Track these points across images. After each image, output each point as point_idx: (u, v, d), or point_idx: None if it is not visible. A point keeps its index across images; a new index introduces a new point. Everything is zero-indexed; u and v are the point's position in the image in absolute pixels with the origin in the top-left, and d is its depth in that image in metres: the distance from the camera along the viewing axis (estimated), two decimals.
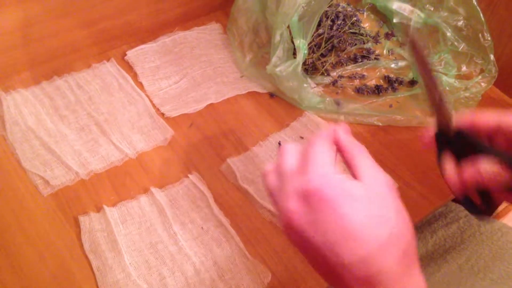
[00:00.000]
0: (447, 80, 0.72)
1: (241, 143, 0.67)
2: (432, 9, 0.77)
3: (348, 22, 0.80)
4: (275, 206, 0.39)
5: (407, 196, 0.62)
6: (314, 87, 0.75)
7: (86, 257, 0.54)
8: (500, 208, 1.03)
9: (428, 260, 0.71)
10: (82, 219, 0.56)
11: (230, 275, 0.53)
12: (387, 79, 0.77)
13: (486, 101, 0.74)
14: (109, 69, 0.74)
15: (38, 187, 0.59)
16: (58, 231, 0.56)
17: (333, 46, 0.78)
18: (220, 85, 0.73)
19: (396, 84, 0.76)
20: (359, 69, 0.78)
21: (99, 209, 0.58)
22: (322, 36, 0.77)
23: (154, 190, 0.59)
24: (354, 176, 0.37)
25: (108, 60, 0.75)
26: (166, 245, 0.55)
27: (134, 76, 0.73)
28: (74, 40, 0.73)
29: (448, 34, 0.75)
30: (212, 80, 0.74)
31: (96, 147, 0.64)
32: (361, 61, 0.78)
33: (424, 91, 0.45)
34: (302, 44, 0.67)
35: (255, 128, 0.69)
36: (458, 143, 0.42)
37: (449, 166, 0.44)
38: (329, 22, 0.78)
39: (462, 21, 0.74)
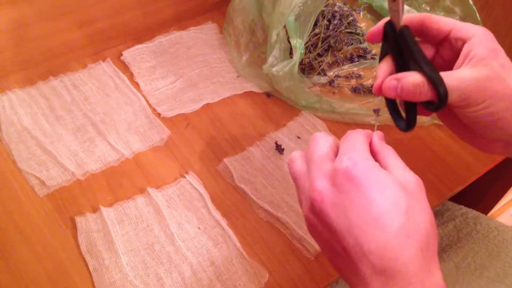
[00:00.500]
0: None
1: (238, 143, 0.67)
2: (428, 8, 0.77)
3: (344, 21, 0.80)
4: (299, 191, 0.39)
5: None
6: (311, 86, 0.75)
7: (83, 257, 0.53)
8: (497, 207, 1.04)
9: None
10: (79, 219, 0.56)
11: (227, 275, 0.53)
12: None
13: None
14: (105, 69, 0.73)
15: (34, 188, 0.59)
16: (54, 232, 0.56)
17: (329, 46, 0.78)
18: (217, 85, 0.73)
19: None
20: (355, 68, 0.78)
21: (95, 209, 0.58)
22: (318, 35, 0.77)
23: (150, 190, 0.59)
24: None
25: (104, 60, 0.75)
26: (163, 246, 0.55)
27: (130, 76, 0.73)
28: (69, 40, 0.73)
29: None
30: (209, 80, 0.74)
31: (92, 147, 0.63)
32: (358, 61, 0.78)
33: None
34: (298, 44, 0.67)
35: (251, 128, 0.69)
36: (400, 41, 0.40)
37: (383, 65, 0.42)
38: (325, 21, 0.78)
39: (458, 21, 0.74)
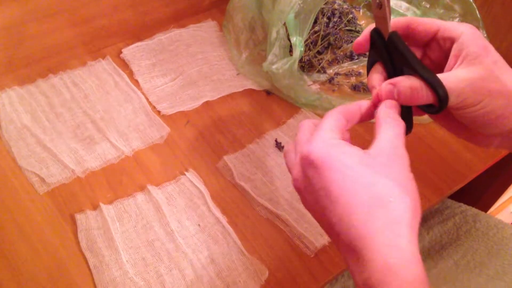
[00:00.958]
0: None
1: (238, 141, 0.67)
2: (428, 6, 0.77)
3: (344, 19, 0.80)
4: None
5: None
6: (311, 84, 0.75)
7: (83, 255, 0.54)
8: (496, 204, 1.04)
9: (425, 256, 0.71)
10: (79, 217, 0.56)
11: (227, 272, 0.53)
12: None
13: None
14: (105, 67, 0.73)
15: (34, 185, 0.59)
16: (54, 229, 0.56)
17: (329, 44, 0.78)
18: (216, 83, 0.73)
19: None
20: (355, 66, 0.78)
21: (95, 207, 0.58)
22: (318, 33, 0.77)
23: (150, 187, 0.59)
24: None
25: (103, 58, 0.75)
26: (163, 243, 0.55)
27: (130, 74, 0.73)
28: (69, 38, 0.73)
29: None
30: (208, 78, 0.74)
31: (92, 145, 0.63)
32: (357, 59, 0.78)
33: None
34: (298, 42, 0.67)
35: (251, 126, 0.69)
36: (390, 47, 0.40)
37: (376, 75, 0.41)
38: (325, 19, 0.78)
39: (458, 18, 0.74)
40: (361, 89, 0.74)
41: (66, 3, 0.69)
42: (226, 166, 0.63)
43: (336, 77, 0.76)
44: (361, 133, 0.69)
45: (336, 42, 0.78)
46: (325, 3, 0.79)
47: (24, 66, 0.71)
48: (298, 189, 0.38)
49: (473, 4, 0.72)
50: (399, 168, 0.35)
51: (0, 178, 0.60)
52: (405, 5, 0.80)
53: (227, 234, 0.56)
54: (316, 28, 0.77)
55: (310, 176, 0.35)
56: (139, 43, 0.77)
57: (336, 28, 0.78)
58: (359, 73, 0.77)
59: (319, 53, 0.77)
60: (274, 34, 0.67)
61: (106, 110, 0.68)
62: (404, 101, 0.39)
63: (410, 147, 0.68)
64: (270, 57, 0.68)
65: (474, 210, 0.76)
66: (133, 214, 0.57)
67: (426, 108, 0.40)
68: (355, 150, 0.35)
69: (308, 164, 0.35)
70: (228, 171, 0.63)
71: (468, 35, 0.39)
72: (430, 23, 0.41)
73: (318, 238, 0.56)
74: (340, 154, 0.34)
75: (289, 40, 0.68)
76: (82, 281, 0.52)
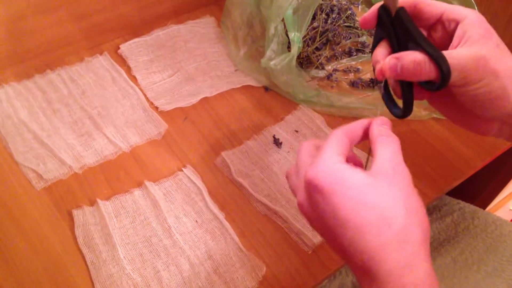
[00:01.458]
0: None
1: (236, 137, 0.66)
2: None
3: (343, 15, 0.80)
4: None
5: None
6: (309, 80, 0.74)
7: (80, 251, 0.53)
8: (495, 201, 1.04)
9: None
10: (76, 212, 0.56)
11: (225, 268, 0.53)
12: None
13: None
14: (102, 62, 0.73)
15: (31, 181, 0.59)
16: (51, 225, 0.55)
17: (327, 40, 0.78)
18: (214, 79, 0.73)
19: None
20: (353, 62, 0.78)
21: (92, 202, 0.57)
22: (316, 29, 0.77)
23: (148, 183, 0.59)
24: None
25: (101, 53, 0.74)
26: (161, 239, 0.55)
27: (128, 69, 0.73)
28: (67, 34, 0.73)
29: None
30: (206, 74, 0.74)
31: (89, 140, 0.63)
32: (356, 55, 0.78)
33: None
34: (296, 38, 0.66)
35: (249, 122, 0.68)
36: (396, 23, 0.40)
37: (380, 50, 0.41)
38: (323, 15, 0.78)
39: None
40: (359, 85, 0.74)
41: None
42: (224, 162, 0.63)
43: (335, 73, 0.76)
44: None
45: (335, 38, 0.78)
46: None
47: (21, 62, 0.71)
48: (304, 213, 0.38)
49: (472, 0, 0.72)
50: (402, 186, 0.35)
51: None
52: None
53: (225, 230, 0.56)
54: (315, 24, 0.77)
55: (316, 201, 0.35)
56: (137, 39, 0.76)
57: (334, 24, 0.78)
58: (358, 69, 0.77)
59: (317, 49, 0.77)
60: (272, 30, 0.67)
61: (104, 106, 0.67)
62: (407, 75, 0.39)
63: (408, 143, 0.68)
64: (268, 53, 0.67)
65: (472, 207, 0.76)
66: (131, 210, 0.57)
67: (427, 85, 0.40)
68: (358, 174, 0.35)
69: (313, 190, 0.35)
70: (226, 167, 0.63)
71: (473, 18, 0.40)
72: (436, 5, 0.41)
73: (316, 234, 0.56)
74: (345, 179, 0.34)
75: (287, 36, 0.67)
76: (79, 277, 0.52)
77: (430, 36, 0.43)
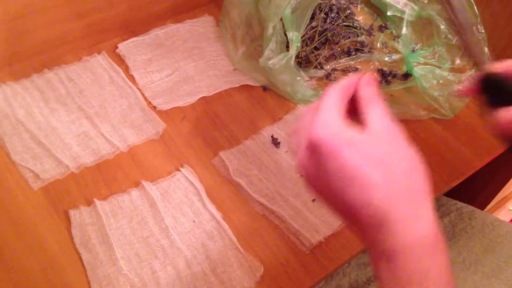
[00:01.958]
0: (440, 73, 0.72)
1: (234, 137, 0.66)
2: (425, 1, 0.76)
3: (342, 15, 0.80)
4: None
5: None
6: (308, 80, 0.74)
7: (77, 251, 0.53)
8: (494, 201, 1.04)
9: None
10: (73, 213, 0.56)
11: (222, 269, 0.53)
12: (381, 72, 0.76)
13: None
14: (100, 62, 0.73)
15: (28, 181, 0.59)
16: (48, 225, 0.55)
17: (326, 39, 0.78)
18: (213, 78, 0.73)
19: (389, 77, 0.75)
20: (352, 62, 0.77)
21: (89, 203, 0.57)
22: (315, 29, 0.76)
23: (145, 183, 0.59)
24: (363, 124, 0.37)
25: (99, 53, 0.74)
26: (158, 239, 0.55)
27: (126, 69, 0.73)
28: (64, 33, 0.72)
29: (442, 27, 0.74)
30: (205, 73, 0.73)
31: (86, 140, 0.63)
32: (355, 54, 0.78)
33: (460, 40, 0.44)
34: (295, 37, 0.66)
35: (247, 122, 0.68)
36: (496, 88, 0.42)
37: (504, 112, 0.42)
38: (322, 15, 0.78)
39: None
40: None
41: None
42: (221, 162, 0.63)
43: (333, 73, 0.75)
44: None
45: (334, 37, 0.78)
46: None
47: (19, 61, 0.71)
48: (306, 173, 0.38)
49: (471, 0, 0.71)
50: (401, 141, 0.36)
51: None
52: (403, 0, 0.79)
53: (222, 230, 0.56)
54: (314, 23, 0.77)
55: (319, 161, 0.36)
56: (135, 38, 0.76)
57: (333, 24, 0.78)
58: (357, 68, 0.77)
59: (316, 48, 0.77)
60: (270, 30, 0.66)
61: (101, 106, 0.67)
62: None
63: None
64: (266, 53, 0.67)
65: (470, 208, 0.76)
66: (128, 210, 0.57)
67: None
68: (358, 132, 0.36)
69: (316, 150, 0.36)
70: (223, 167, 0.62)
71: None
72: None
73: (314, 234, 0.56)
74: (349, 138, 0.35)
75: (285, 35, 0.67)
76: (76, 277, 0.52)
77: None
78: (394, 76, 0.76)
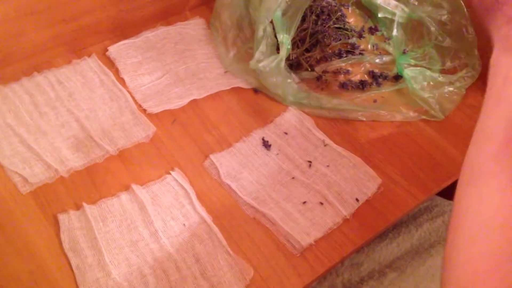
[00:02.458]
0: (431, 74, 0.72)
1: (225, 139, 0.66)
2: (416, 3, 0.76)
3: (333, 17, 0.80)
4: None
5: (392, 191, 0.62)
6: (298, 82, 0.74)
7: (65, 255, 0.53)
8: None
9: (413, 254, 0.71)
10: (62, 217, 0.55)
11: (212, 272, 0.53)
12: (372, 74, 0.76)
13: (471, 96, 0.74)
14: (90, 65, 0.72)
15: (17, 185, 0.58)
16: (36, 230, 0.55)
17: (317, 41, 0.78)
18: (204, 81, 0.73)
19: (380, 79, 0.76)
20: (343, 64, 0.77)
21: (79, 207, 0.57)
22: (306, 31, 0.76)
23: (135, 187, 0.58)
24: None
25: (89, 56, 0.74)
26: (147, 243, 0.54)
27: (116, 72, 0.72)
28: (54, 36, 0.72)
29: (432, 28, 0.74)
30: (196, 76, 0.73)
31: (76, 144, 0.63)
32: (346, 56, 0.78)
33: None
34: (285, 39, 0.66)
35: (238, 124, 0.68)
36: None
37: None
38: (313, 17, 0.78)
39: (446, 16, 0.74)
40: (349, 87, 0.74)
41: (50, 0, 0.68)
42: (212, 165, 0.62)
43: (324, 75, 0.75)
44: (350, 131, 0.69)
45: (325, 40, 0.78)
46: (314, 0, 0.79)
47: (8, 65, 0.70)
48: None
49: (461, 1, 0.72)
50: None
51: None
52: (393, 2, 0.79)
53: (213, 233, 0.56)
54: (305, 25, 0.76)
55: None
56: (125, 41, 0.76)
57: (324, 26, 0.78)
58: (348, 71, 0.77)
59: (307, 50, 0.77)
60: (260, 32, 0.66)
61: (91, 109, 0.67)
62: None
63: (398, 145, 0.68)
64: (257, 55, 0.67)
65: None
66: (117, 214, 0.56)
67: None
68: None
69: None
70: (214, 170, 0.62)
71: None
72: None
73: (304, 237, 0.56)
74: None
75: (276, 37, 0.67)
76: (65, 282, 0.51)
77: None
78: (385, 77, 0.76)
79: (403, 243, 0.71)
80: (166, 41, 0.78)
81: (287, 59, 0.73)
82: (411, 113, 0.70)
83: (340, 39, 0.79)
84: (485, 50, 0.75)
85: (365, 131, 0.69)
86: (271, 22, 0.67)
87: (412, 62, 0.75)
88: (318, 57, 0.77)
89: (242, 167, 0.63)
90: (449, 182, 0.64)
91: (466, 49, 0.73)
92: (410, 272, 0.67)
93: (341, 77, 0.76)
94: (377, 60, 0.78)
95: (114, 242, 0.54)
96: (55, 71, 0.71)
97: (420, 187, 0.63)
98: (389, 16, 0.80)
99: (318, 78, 0.75)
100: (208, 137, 0.66)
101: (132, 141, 0.64)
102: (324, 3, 0.80)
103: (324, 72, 0.76)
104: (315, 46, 0.78)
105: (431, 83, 0.72)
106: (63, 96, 0.68)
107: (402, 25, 0.78)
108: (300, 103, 0.70)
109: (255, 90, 0.73)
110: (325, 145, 0.66)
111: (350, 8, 0.86)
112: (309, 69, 0.75)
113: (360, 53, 0.79)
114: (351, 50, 0.79)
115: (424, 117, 0.70)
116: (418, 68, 0.73)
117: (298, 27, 0.72)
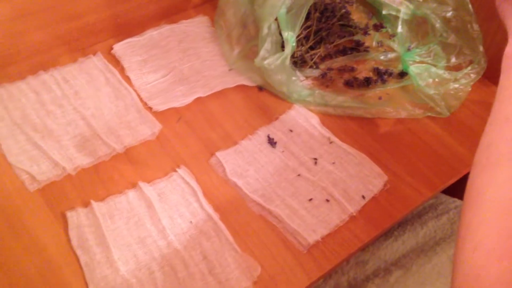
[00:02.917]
0: (436, 71, 0.72)
1: (230, 137, 0.66)
2: (421, 0, 0.76)
3: (337, 14, 0.80)
4: None
5: (397, 188, 0.62)
6: (303, 80, 0.74)
7: (74, 252, 0.53)
8: None
9: (419, 251, 0.71)
10: (70, 214, 0.56)
11: (220, 269, 0.53)
12: (377, 71, 0.76)
13: (476, 92, 0.74)
14: (96, 63, 0.73)
15: (25, 183, 0.58)
16: (45, 227, 0.55)
17: (322, 39, 0.78)
18: (208, 79, 0.73)
19: (385, 76, 0.76)
20: (348, 61, 0.77)
21: (86, 204, 0.57)
22: (310, 28, 0.76)
23: (142, 184, 0.59)
24: None
25: (94, 54, 0.74)
26: (155, 240, 0.55)
27: (121, 70, 0.72)
28: (60, 34, 0.72)
29: (437, 25, 0.74)
30: (200, 74, 0.73)
31: (83, 142, 0.63)
32: (350, 53, 0.78)
33: None
34: (290, 37, 0.66)
35: (243, 122, 0.68)
36: None
37: None
38: (317, 14, 0.78)
39: (451, 12, 0.73)
40: (354, 84, 0.74)
41: None
42: (218, 163, 0.63)
43: (329, 72, 0.75)
44: (355, 128, 0.69)
45: (329, 37, 0.78)
46: None
47: (14, 63, 0.71)
48: None
49: None
50: None
51: None
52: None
53: (220, 230, 0.56)
54: (309, 23, 0.77)
55: None
56: (130, 39, 0.76)
57: (328, 23, 0.78)
58: (352, 68, 0.77)
59: (311, 48, 0.77)
60: (265, 30, 0.66)
61: (97, 107, 0.67)
62: None
63: (403, 142, 0.68)
64: (261, 53, 0.67)
65: None
66: (125, 211, 0.57)
67: None
68: None
69: None
70: (220, 168, 0.62)
71: None
72: None
73: (311, 234, 0.56)
74: None
75: (281, 35, 0.67)
76: (74, 279, 0.51)
77: None
78: (390, 74, 0.76)
79: (408, 241, 0.71)
80: (171, 39, 0.78)
81: (292, 56, 0.73)
82: (417, 110, 0.70)
83: (345, 36, 0.80)
84: (490, 46, 0.75)
85: (371, 128, 0.69)
86: (276, 19, 0.67)
87: (417, 59, 0.75)
88: (322, 55, 0.77)
89: (248, 164, 0.63)
90: (454, 179, 0.64)
91: (471, 45, 0.73)
92: (415, 270, 0.67)
93: (346, 75, 0.76)
94: (382, 57, 0.78)
95: (122, 239, 0.54)
96: (61, 70, 0.71)
97: (425, 184, 0.63)
98: (394, 13, 0.79)
99: (323, 76, 0.75)
100: (213, 135, 0.66)
101: (138, 139, 0.64)
102: (328, 0, 0.80)
103: (329, 69, 0.76)
104: (319, 43, 0.78)
105: (436, 79, 0.72)
106: (69, 95, 0.68)
107: (406, 22, 0.78)
108: (305, 100, 0.71)
109: (260, 88, 0.73)
110: (330, 142, 0.66)
111: (354, 5, 0.86)
112: (314, 67, 0.75)
113: (364, 50, 0.79)
114: (356, 47, 0.79)
115: (429, 114, 0.70)
116: (423, 64, 0.73)
117: (302, 25, 0.72)
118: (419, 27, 0.77)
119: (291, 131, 0.67)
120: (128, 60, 0.74)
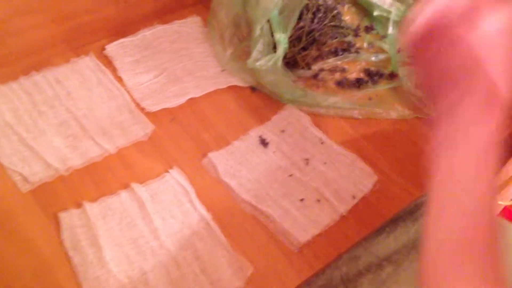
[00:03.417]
0: None
1: (223, 138, 0.67)
2: (411, 1, 0.77)
3: (329, 15, 0.80)
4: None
5: (388, 187, 0.63)
6: (295, 80, 0.75)
7: (67, 253, 0.53)
8: None
9: (410, 247, 0.72)
10: (62, 215, 0.56)
11: (212, 269, 0.54)
12: (368, 72, 0.77)
13: None
14: (88, 63, 0.73)
15: (17, 184, 0.59)
16: (37, 228, 0.55)
17: (314, 40, 0.78)
18: (201, 79, 0.73)
19: (376, 77, 0.76)
20: (339, 62, 0.78)
21: (79, 205, 0.57)
22: (303, 29, 0.77)
23: (134, 185, 0.59)
24: None
25: (87, 54, 0.74)
26: (147, 240, 0.55)
27: (114, 70, 0.73)
28: (52, 35, 0.72)
29: None
30: (193, 75, 0.74)
31: (75, 142, 0.63)
32: (342, 54, 0.79)
33: None
34: (282, 38, 0.67)
35: (236, 122, 0.69)
36: None
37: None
38: (310, 15, 0.78)
39: None
40: (345, 85, 0.75)
41: None
42: (210, 163, 0.63)
43: (321, 73, 0.76)
44: (346, 129, 0.70)
45: (321, 38, 0.79)
46: None
47: (6, 64, 0.70)
48: (430, 56, 0.41)
49: None
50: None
51: None
52: (389, 0, 0.80)
53: (212, 231, 0.56)
54: (301, 24, 0.77)
55: (462, 57, 0.38)
56: (122, 40, 0.76)
57: (321, 24, 0.79)
58: (344, 68, 0.77)
59: (304, 49, 0.77)
60: (258, 31, 0.67)
61: (90, 108, 0.67)
62: None
63: (393, 142, 0.69)
64: (254, 54, 0.68)
65: None
66: (117, 212, 0.57)
67: None
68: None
69: (466, 53, 0.37)
70: (213, 168, 0.63)
71: None
72: None
73: (303, 234, 0.57)
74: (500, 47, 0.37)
75: (273, 36, 0.68)
76: (66, 279, 0.52)
77: None
78: (381, 75, 0.77)
79: (400, 237, 0.72)
80: (163, 39, 0.78)
81: (284, 57, 0.73)
82: (406, 111, 0.71)
83: (336, 37, 0.80)
84: None
85: (361, 128, 0.70)
86: (268, 21, 0.67)
87: (407, 60, 0.75)
88: (314, 56, 0.78)
89: (240, 165, 0.63)
90: None
91: None
92: (407, 266, 0.68)
93: (337, 75, 0.77)
94: (373, 58, 0.79)
95: (114, 239, 0.55)
96: (53, 70, 0.71)
97: (414, 183, 0.64)
98: (385, 14, 0.80)
99: (315, 76, 0.76)
100: (206, 136, 0.67)
101: (130, 139, 0.65)
102: (320, 1, 0.80)
103: (321, 70, 0.77)
104: (311, 44, 0.78)
105: None
106: (62, 95, 0.68)
107: (397, 23, 0.79)
108: (297, 101, 0.71)
109: (252, 89, 0.73)
110: (322, 143, 0.67)
111: (346, 6, 0.87)
112: (306, 67, 0.76)
113: (356, 51, 0.80)
114: (347, 48, 0.80)
115: (418, 115, 0.71)
116: None
117: (294, 26, 0.73)
118: None
119: (283, 131, 0.68)
120: (121, 60, 0.74)
